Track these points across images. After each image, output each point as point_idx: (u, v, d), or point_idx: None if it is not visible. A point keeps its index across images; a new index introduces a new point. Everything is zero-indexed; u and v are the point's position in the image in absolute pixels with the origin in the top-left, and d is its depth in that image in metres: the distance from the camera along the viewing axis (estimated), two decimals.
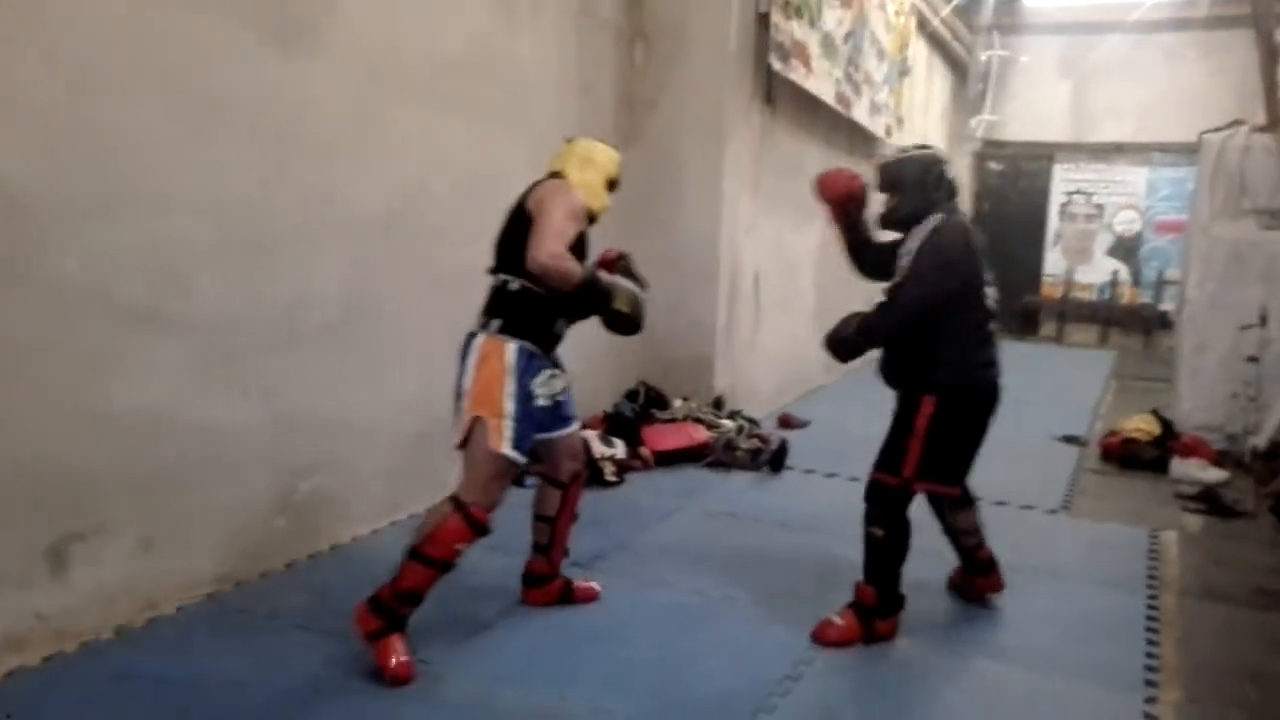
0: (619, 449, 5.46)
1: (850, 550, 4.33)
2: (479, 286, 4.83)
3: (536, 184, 3.37)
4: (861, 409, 4.76)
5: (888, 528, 3.48)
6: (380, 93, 4.15)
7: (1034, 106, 13.20)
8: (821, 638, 3.44)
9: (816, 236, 8.34)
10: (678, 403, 6.23)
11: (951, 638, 3.59)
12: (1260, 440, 6.31)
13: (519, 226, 3.24)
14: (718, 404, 6.38)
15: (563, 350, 5.72)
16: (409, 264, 4.39)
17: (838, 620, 3.47)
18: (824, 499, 5.14)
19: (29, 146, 2.89)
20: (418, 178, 4.40)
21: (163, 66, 3.25)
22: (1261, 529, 5.08)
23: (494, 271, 3.38)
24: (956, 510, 3.80)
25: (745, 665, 3.26)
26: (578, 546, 4.21)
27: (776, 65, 6.61)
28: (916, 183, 3.52)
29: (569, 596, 3.70)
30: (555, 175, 3.41)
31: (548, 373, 3.30)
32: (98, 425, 3.13)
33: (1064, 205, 13.21)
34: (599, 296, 3.25)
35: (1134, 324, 12.75)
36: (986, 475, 4.70)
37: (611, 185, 3.50)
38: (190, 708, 2.81)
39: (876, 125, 9.16)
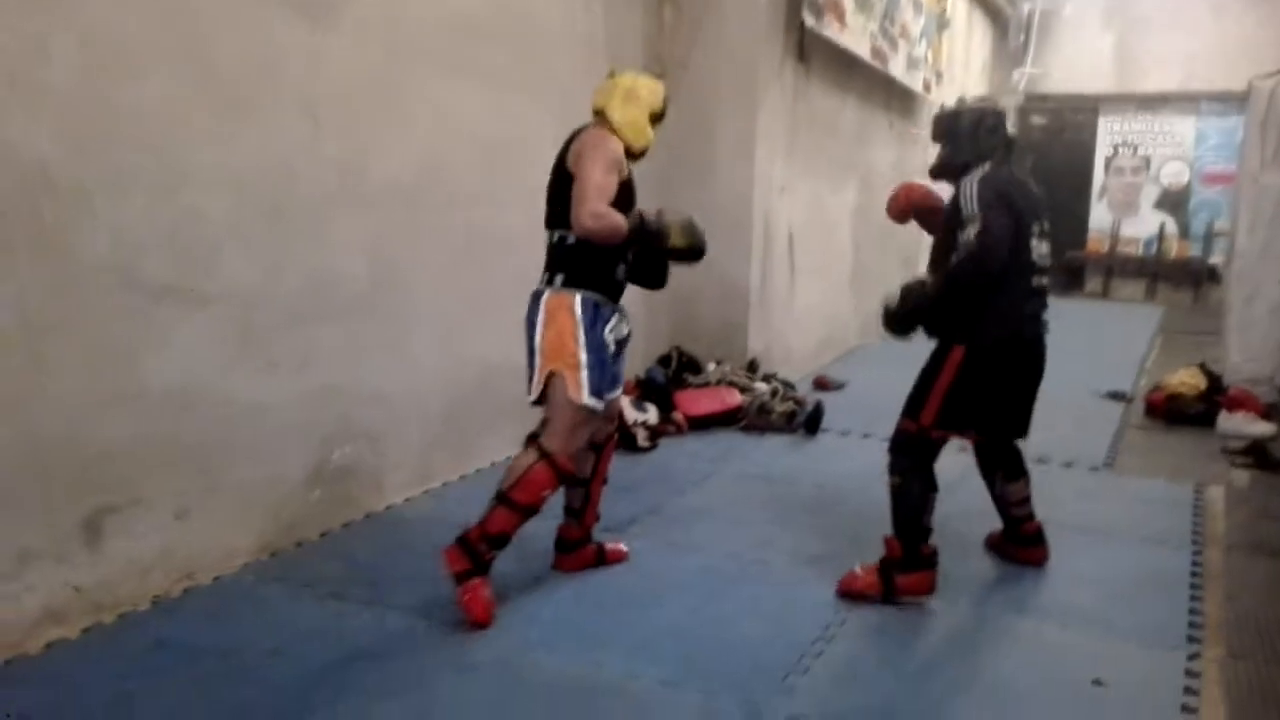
0: (651, 414, 5.43)
1: (886, 512, 4.31)
2: (504, 254, 4.85)
3: (578, 132, 3.35)
4: (898, 370, 4.67)
5: (902, 475, 3.45)
6: (399, 61, 4.12)
7: (1078, 58, 12.86)
8: (842, 587, 3.46)
9: (854, 196, 8.23)
10: (711, 366, 6.19)
11: (989, 597, 3.54)
12: None
13: (563, 181, 3.25)
14: (751, 367, 6.33)
15: None
16: (433, 233, 4.38)
17: (859, 572, 3.48)
18: (859, 461, 5.07)
19: (52, 125, 2.89)
20: (439, 146, 4.37)
21: (181, 40, 3.24)
22: None
23: (549, 227, 3.37)
24: (1007, 480, 3.76)
25: (778, 628, 3.23)
26: (611, 511, 4.21)
27: (810, 21, 6.48)
28: (969, 134, 3.52)
29: (601, 559, 3.72)
30: (598, 113, 3.39)
31: (615, 318, 3.34)
32: (128, 401, 3.16)
33: (1109, 158, 12.89)
34: (652, 237, 3.27)
35: (1182, 278, 12.45)
36: (1045, 437, 4.61)
37: (656, 119, 3.45)
38: (228, 677, 2.84)
39: (914, 80, 8.97)
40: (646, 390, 5.76)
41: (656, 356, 6.23)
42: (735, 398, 5.82)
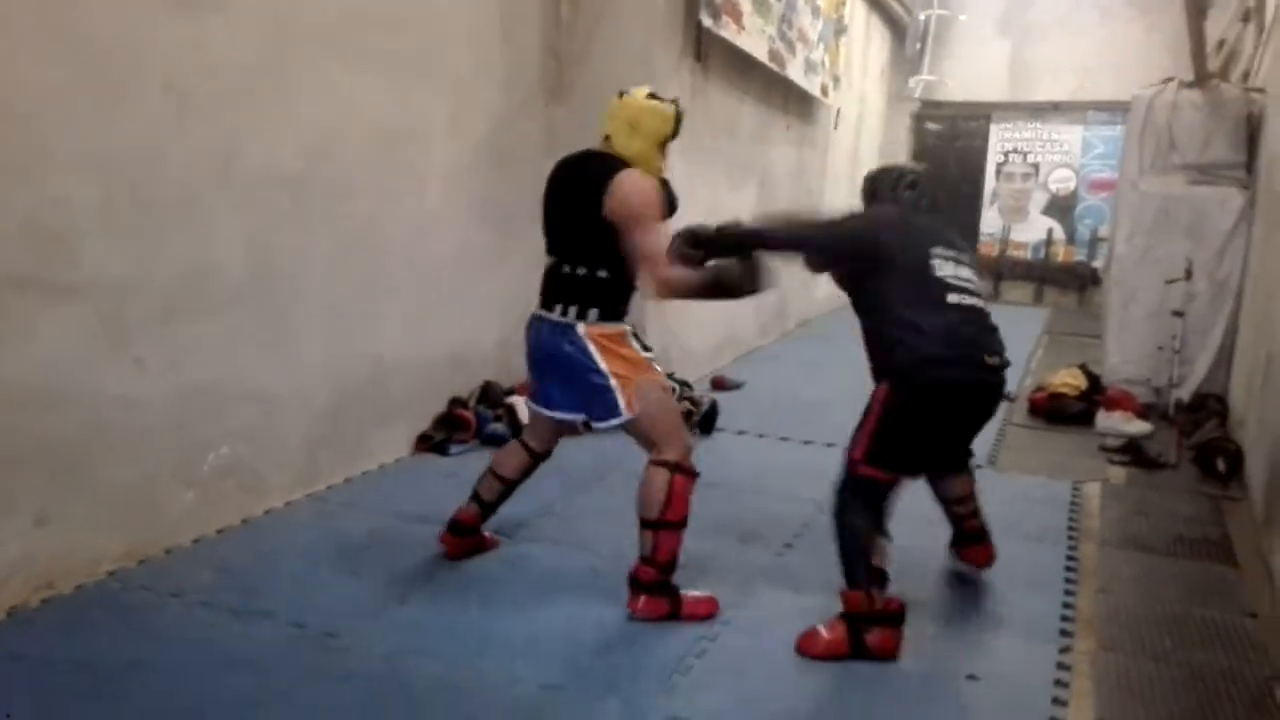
0: None
1: (778, 509, 4.36)
2: (397, 246, 4.74)
3: (604, 166, 3.24)
4: (795, 371, 4.77)
5: (839, 513, 3.22)
6: (284, 44, 3.96)
7: (972, 66, 13.19)
8: (803, 648, 3.09)
9: (753, 196, 8.29)
10: None
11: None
12: (1184, 393, 6.43)
13: (590, 220, 3.19)
14: None
15: (489, 315, 5.64)
16: (320, 223, 4.23)
17: (823, 631, 3.10)
18: (754, 460, 5.12)
19: None
20: (326, 133, 4.23)
21: (43, 13, 3.06)
22: (1184, 479, 5.16)
23: (569, 260, 3.31)
24: (950, 475, 3.66)
25: (663, 628, 3.21)
26: (502, 513, 4.15)
27: (707, 22, 6.49)
28: (889, 188, 3.51)
29: (480, 547, 3.76)
30: (607, 139, 3.34)
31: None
32: None
33: (1000, 165, 13.27)
34: (727, 293, 3.34)
35: (1068, 281, 12.90)
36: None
37: (667, 141, 3.38)
38: (84, 691, 2.69)
39: (812, 84, 9.08)
40: None
41: None
42: None
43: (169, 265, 3.56)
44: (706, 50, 6.78)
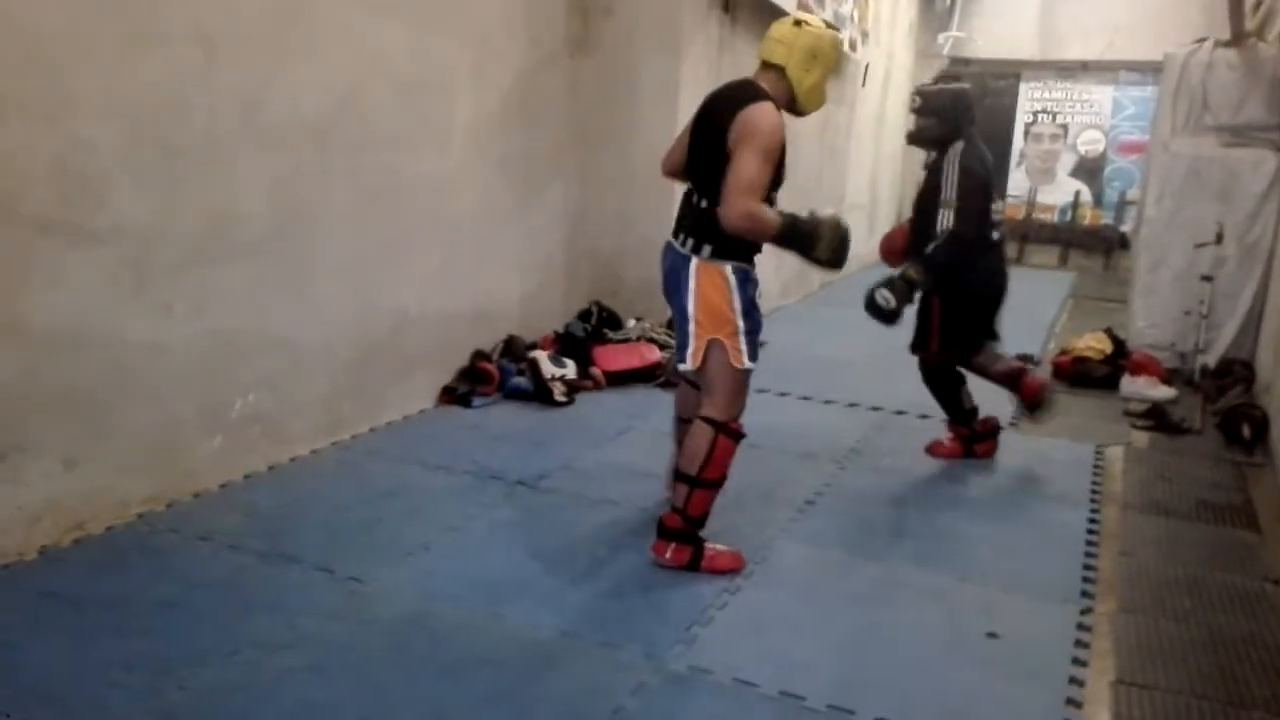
0: (570, 369, 5.39)
1: (799, 468, 4.37)
2: (420, 199, 4.74)
3: (739, 94, 3.18)
4: (818, 331, 4.73)
5: (938, 386, 4.61)
6: None
7: (1002, 23, 12.94)
8: (933, 450, 4.63)
9: None
10: (631, 323, 6.15)
11: (889, 550, 3.59)
12: (1210, 358, 6.37)
13: (717, 150, 3.13)
14: (671, 324, 6.30)
15: (512, 269, 5.64)
16: (344, 174, 4.23)
17: (945, 441, 4.67)
18: (775, 417, 5.10)
19: None
20: (351, 83, 4.21)
21: None
22: (1207, 445, 5.12)
23: (696, 189, 3.29)
24: (978, 353, 4.57)
25: (684, 580, 3.23)
26: (524, 465, 4.19)
27: None
28: (949, 111, 4.29)
29: None
30: (771, 66, 3.24)
31: (757, 281, 3.33)
32: (9, 341, 3.01)
33: (1029, 125, 13.09)
34: (799, 246, 3.23)
35: (1094, 245, 12.75)
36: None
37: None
38: (116, 628, 2.73)
39: (841, 38, 8.94)
40: (565, 345, 5.71)
41: (576, 311, 6.17)
42: (654, 354, 5.79)
43: (194, 212, 3.57)
44: (735, 1, 6.68)
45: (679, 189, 6.36)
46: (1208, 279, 6.32)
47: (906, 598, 3.23)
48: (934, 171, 4.32)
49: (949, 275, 4.22)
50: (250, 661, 2.62)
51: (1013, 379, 4.63)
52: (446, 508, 3.73)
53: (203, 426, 3.71)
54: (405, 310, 4.73)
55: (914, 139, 4.53)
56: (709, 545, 3.34)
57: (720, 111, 3.19)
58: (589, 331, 5.93)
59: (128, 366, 3.39)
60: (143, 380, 3.45)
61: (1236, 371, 6.06)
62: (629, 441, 4.68)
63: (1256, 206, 6.37)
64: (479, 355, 5.30)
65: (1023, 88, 13.09)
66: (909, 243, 4.49)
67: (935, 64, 13.28)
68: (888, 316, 4.14)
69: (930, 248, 4.20)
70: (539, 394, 5.16)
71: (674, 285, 3.32)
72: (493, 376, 5.21)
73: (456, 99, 4.95)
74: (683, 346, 3.30)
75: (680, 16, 6.08)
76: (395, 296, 4.65)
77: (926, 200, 4.33)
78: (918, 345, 4.53)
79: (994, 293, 4.45)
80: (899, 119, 12.16)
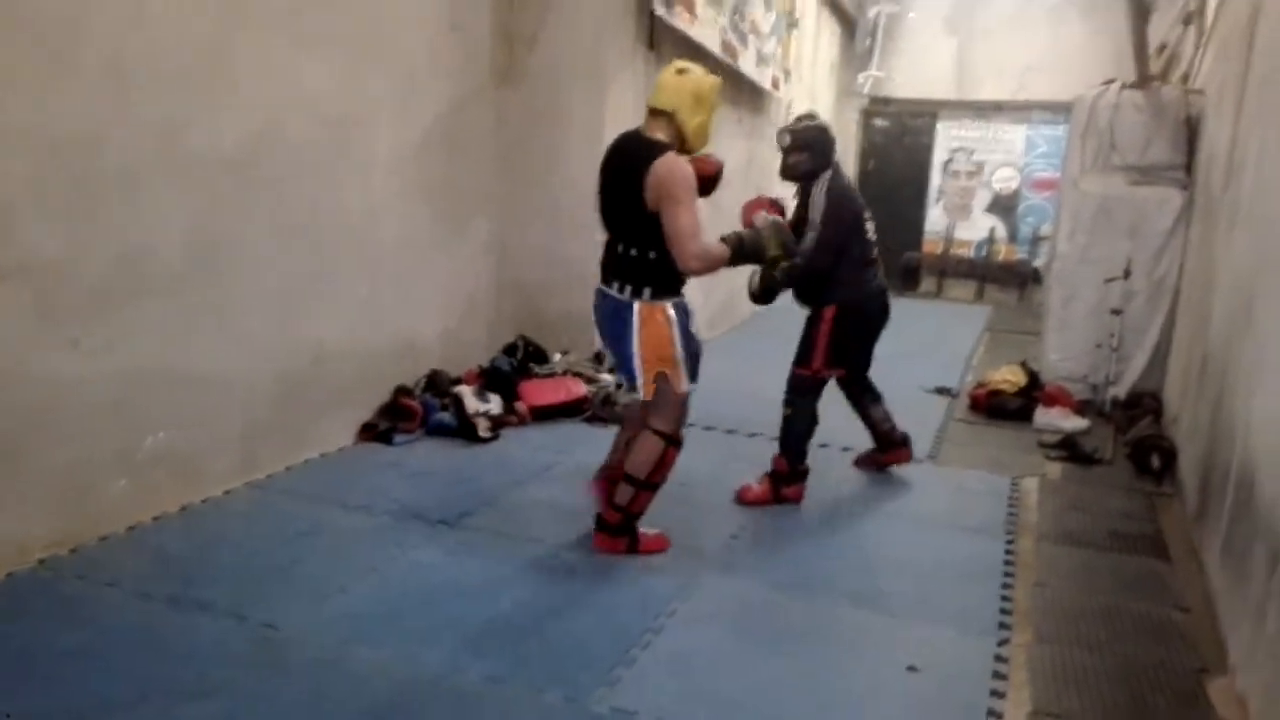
0: (495, 404, 5.34)
1: (724, 501, 4.38)
2: (343, 232, 4.67)
3: (646, 153, 3.44)
4: (743, 364, 4.79)
5: (796, 410, 4.44)
6: (229, 22, 3.88)
7: (920, 64, 13.31)
8: (740, 498, 4.40)
9: None
10: (557, 357, 6.13)
11: (812, 585, 3.61)
12: (1121, 390, 6.56)
13: (634, 205, 3.45)
14: (598, 358, 6.29)
15: (436, 303, 5.58)
16: (263, 207, 4.16)
17: (754, 485, 4.45)
18: (699, 453, 5.09)
19: None
20: (271, 116, 4.15)
21: None
22: (1118, 475, 5.26)
23: (621, 241, 3.60)
24: (871, 404, 4.79)
25: (608, 619, 3.21)
26: (446, 503, 4.13)
27: (660, 10, 6.48)
28: (819, 145, 4.47)
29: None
30: (662, 112, 3.53)
31: (691, 310, 3.67)
32: None
33: (946, 163, 13.43)
34: (753, 257, 3.71)
35: (1009, 279, 13.09)
36: (851, 428, 4.79)
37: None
38: (20, 680, 2.62)
39: (763, 77, 9.12)
40: (490, 380, 5.65)
41: (502, 345, 6.13)
42: (580, 388, 5.77)
43: (107, 246, 3.47)
44: (659, 39, 6.76)
45: None
46: (1117, 313, 6.53)
47: (829, 632, 3.25)
48: (803, 202, 4.51)
49: (833, 288, 4.38)
50: (161, 711, 2.53)
51: (888, 440, 4.88)
52: (365, 549, 3.65)
53: (111, 466, 3.59)
54: (325, 345, 4.65)
55: (789, 174, 4.57)
56: (641, 531, 3.76)
57: (628, 169, 3.48)
58: (514, 366, 5.89)
59: (32, 405, 3.27)
60: (48, 419, 3.33)
61: (1146, 403, 6.26)
62: (554, 477, 4.64)
63: (1163, 243, 6.61)
64: (401, 391, 5.22)
65: (940, 126, 13.44)
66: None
67: (856, 102, 13.60)
68: (759, 298, 4.49)
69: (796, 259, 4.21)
70: (463, 430, 5.10)
71: (615, 332, 3.62)
72: (415, 412, 5.14)
73: (380, 131, 4.91)
74: (631, 380, 3.63)
75: (605, 51, 6.13)
76: (315, 331, 4.57)
77: (796, 229, 4.32)
78: (800, 360, 4.50)
79: (878, 310, 4.59)
80: None
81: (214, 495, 4.01)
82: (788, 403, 4.48)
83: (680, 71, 3.58)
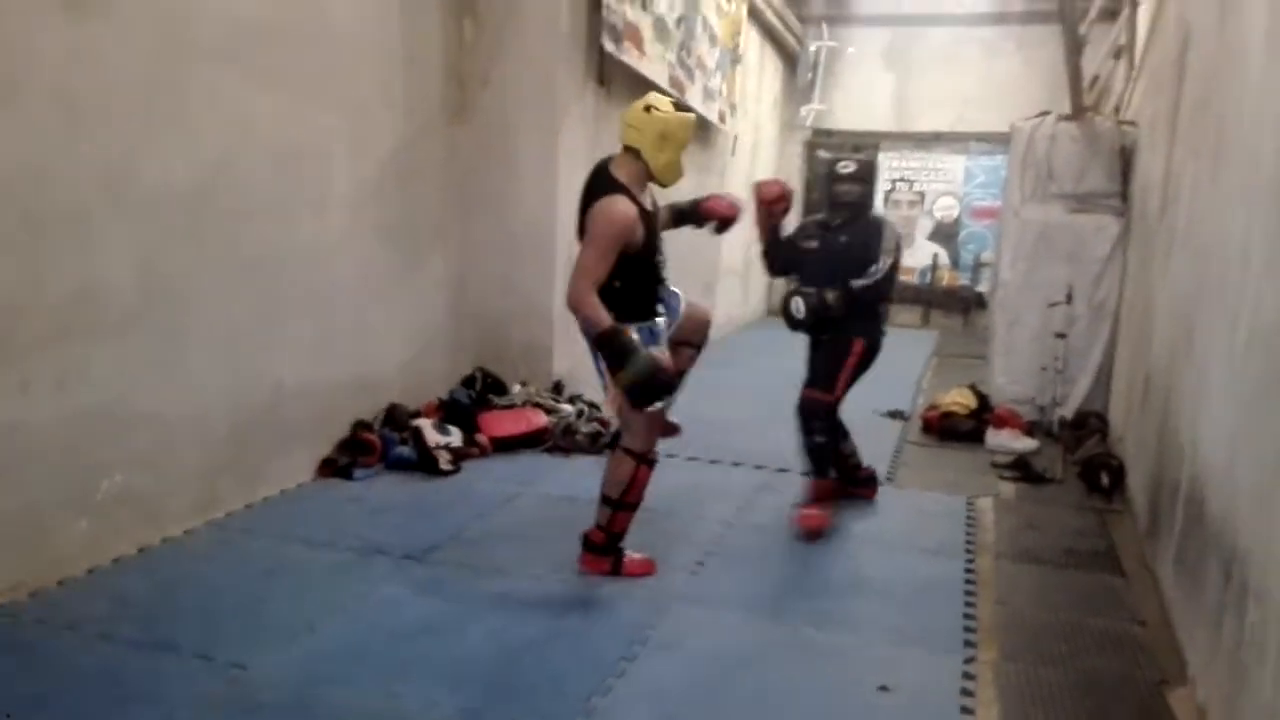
0: (455, 437, 5.31)
1: (688, 529, 4.40)
2: (298, 268, 4.64)
3: (596, 190, 3.62)
4: (700, 393, 4.81)
5: (824, 435, 4.58)
6: (180, 56, 3.86)
7: (861, 96, 13.60)
8: (803, 527, 4.42)
9: None
10: (516, 388, 6.13)
11: (781, 608, 3.65)
12: (1067, 411, 6.72)
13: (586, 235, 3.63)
14: (557, 388, 6.31)
15: (394, 337, 5.55)
16: (216, 245, 4.12)
17: (808, 512, 4.47)
18: (662, 480, 5.12)
19: None
20: (223, 151, 4.12)
21: None
22: (1069, 494, 5.39)
23: None
24: (842, 439, 4.84)
25: (581, 649, 3.21)
26: (411, 538, 4.10)
27: (609, 46, 6.57)
28: (871, 181, 4.71)
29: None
30: (630, 149, 3.63)
31: (660, 333, 3.77)
32: None
33: (888, 193, 13.71)
34: (612, 357, 3.48)
35: (953, 305, 13.37)
36: None
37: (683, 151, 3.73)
38: None
39: (710, 111, 9.25)
40: (450, 412, 5.64)
41: (461, 378, 6.12)
42: (540, 419, 5.78)
43: (57, 284, 3.42)
44: (609, 75, 6.84)
45: (562, 255, 6.44)
46: (1061, 336, 6.70)
47: (800, 655, 3.29)
48: (859, 229, 4.57)
49: (870, 321, 4.59)
50: None
51: (852, 475, 4.94)
52: (331, 586, 3.62)
53: (68, 509, 3.52)
54: (282, 381, 4.61)
55: (839, 200, 4.60)
56: (628, 555, 3.84)
57: (584, 205, 3.66)
58: (474, 398, 5.88)
59: None
60: (1, 461, 3.26)
61: (1092, 423, 6.43)
62: (517, 508, 4.64)
63: (1102, 268, 6.82)
64: (360, 425, 5.19)
65: (881, 157, 13.72)
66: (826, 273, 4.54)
67: (799, 135, 13.84)
68: (796, 324, 4.54)
69: (859, 284, 4.46)
70: (423, 463, 5.07)
71: (592, 353, 3.68)
72: (375, 446, 5.10)
73: (334, 167, 4.91)
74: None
75: (556, 88, 6.19)
76: (272, 368, 4.53)
77: (846, 254, 4.52)
78: (824, 385, 4.57)
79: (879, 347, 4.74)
80: None
81: (174, 535, 3.95)
82: (820, 430, 4.57)
83: (648, 109, 3.62)
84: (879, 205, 12.38)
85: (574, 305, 3.51)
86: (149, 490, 3.86)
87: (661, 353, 3.65)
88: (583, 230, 3.66)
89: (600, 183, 3.65)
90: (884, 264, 4.49)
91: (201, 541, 3.97)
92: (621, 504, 3.77)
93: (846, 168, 4.63)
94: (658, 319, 3.80)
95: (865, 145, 13.71)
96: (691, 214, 4.08)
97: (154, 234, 3.81)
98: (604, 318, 3.46)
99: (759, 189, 4.70)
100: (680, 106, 3.74)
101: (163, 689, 2.81)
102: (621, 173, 3.64)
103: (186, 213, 3.96)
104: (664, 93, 7.76)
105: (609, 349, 3.48)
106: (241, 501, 4.36)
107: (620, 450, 3.77)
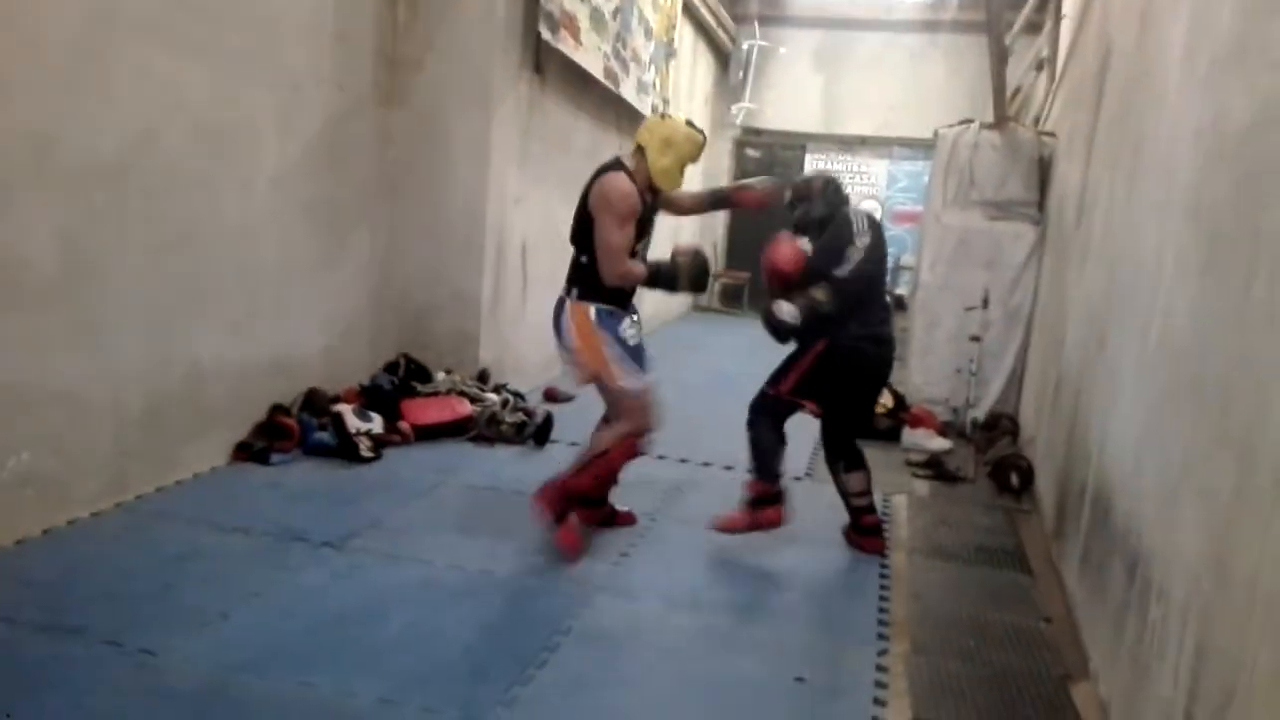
0: (376, 423, 5.25)
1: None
2: (222, 246, 4.54)
3: (600, 170, 3.94)
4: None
5: (759, 430, 4.27)
6: (105, 26, 3.74)
7: (790, 97, 13.77)
8: (719, 526, 4.24)
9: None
10: (440, 375, 6.07)
11: (700, 601, 3.68)
12: (980, 412, 6.91)
13: (584, 217, 3.91)
14: (482, 377, 6.27)
15: (316, 320, 5.45)
16: (137, 221, 4.00)
17: (730, 513, 4.27)
18: None
19: None
20: (148, 125, 4.00)
21: None
22: (980, 493, 5.55)
23: (574, 245, 3.99)
24: (847, 471, 4.43)
25: (502, 639, 3.21)
26: (329, 525, 4.04)
27: (546, 35, 6.54)
28: (820, 194, 4.36)
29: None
30: (638, 147, 3.96)
31: (627, 320, 3.98)
32: None
33: None
34: (665, 283, 4.04)
35: None
36: (736, 448, 4.88)
37: (687, 162, 4.02)
38: None
39: (643, 104, 9.26)
40: (371, 398, 5.56)
41: (383, 363, 6.03)
42: (465, 408, 5.73)
43: None
44: (544, 63, 6.81)
45: (490, 243, 6.39)
46: (976, 339, 6.88)
47: (719, 646, 3.32)
48: (827, 231, 4.27)
49: (837, 324, 4.10)
50: None
51: (854, 518, 4.44)
52: (246, 572, 3.54)
53: None
54: (200, 362, 4.49)
55: (799, 228, 4.34)
56: (570, 521, 3.98)
57: (590, 183, 3.93)
58: (396, 384, 5.81)
59: None
60: None
61: (1003, 425, 6.62)
62: (439, 497, 4.60)
63: (1018, 274, 7.02)
64: (277, 409, 5.08)
65: (808, 158, 13.91)
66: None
67: (730, 133, 13.94)
68: (784, 331, 4.16)
69: (840, 273, 4.11)
70: (343, 449, 4.99)
71: (558, 327, 4.01)
72: (293, 431, 5.01)
73: (261, 144, 4.80)
74: (566, 376, 4.08)
75: (491, 75, 6.14)
76: (189, 348, 4.41)
77: (819, 257, 4.19)
78: (772, 381, 4.29)
79: (872, 360, 4.28)
80: (696, 182, 12.64)
81: (81, 518, 3.82)
82: (749, 423, 4.31)
83: (663, 117, 4.09)
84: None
85: (619, 280, 3.88)
86: (56, 471, 3.73)
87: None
88: (581, 211, 3.93)
89: (605, 165, 3.96)
90: (861, 245, 4.13)
91: (110, 525, 3.85)
92: (590, 466, 3.99)
93: (796, 191, 4.40)
94: (632, 322, 4.03)
95: (792, 146, 13.91)
96: (726, 200, 4.50)
97: (75, 208, 3.69)
98: (641, 271, 3.94)
99: (773, 258, 4.26)
100: (692, 126, 4.03)
101: (69, 675, 2.72)
102: (629, 163, 3.96)
103: (109, 187, 3.83)
104: (596, 85, 7.78)
105: (660, 281, 4.00)
106: (153, 484, 4.24)
107: (613, 431, 4.02)
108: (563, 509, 3.98)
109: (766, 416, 4.29)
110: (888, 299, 4.48)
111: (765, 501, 4.23)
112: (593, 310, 3.90)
